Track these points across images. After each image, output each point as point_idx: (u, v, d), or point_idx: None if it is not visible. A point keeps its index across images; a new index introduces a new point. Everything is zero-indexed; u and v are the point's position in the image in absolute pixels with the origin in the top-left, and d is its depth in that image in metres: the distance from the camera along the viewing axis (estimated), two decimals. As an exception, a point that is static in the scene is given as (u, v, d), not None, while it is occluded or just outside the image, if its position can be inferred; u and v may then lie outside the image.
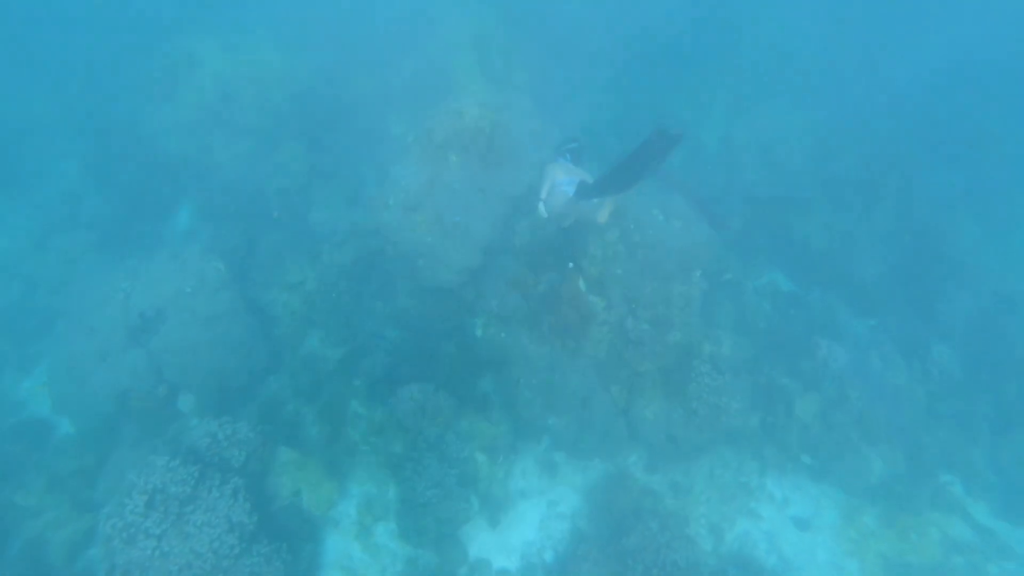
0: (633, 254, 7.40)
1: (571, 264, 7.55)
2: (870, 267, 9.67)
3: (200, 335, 7.58)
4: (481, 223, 7.61)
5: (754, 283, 10.02)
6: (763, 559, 7.58)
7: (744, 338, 8.97)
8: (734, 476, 8.09)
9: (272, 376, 8.55)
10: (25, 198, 11.48)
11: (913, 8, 14.57)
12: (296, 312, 8.93)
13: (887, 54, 13.30)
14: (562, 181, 6.50)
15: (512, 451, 7.95)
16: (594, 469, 7.98)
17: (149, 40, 11.60)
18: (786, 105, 12.02)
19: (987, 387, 8.73)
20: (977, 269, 9.84)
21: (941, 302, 9.17)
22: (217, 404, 7.84)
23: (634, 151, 6.99)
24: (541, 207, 6.54)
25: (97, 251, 10.03)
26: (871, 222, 10.26)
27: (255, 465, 6.75)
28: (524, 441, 8.06)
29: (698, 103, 12.09)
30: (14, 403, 8.94)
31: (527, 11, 11.91)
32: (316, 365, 8.69)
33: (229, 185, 10.43)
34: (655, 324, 7.41)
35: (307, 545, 6.89)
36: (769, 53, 13.16)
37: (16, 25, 13.79)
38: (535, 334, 7.35)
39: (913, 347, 8.76)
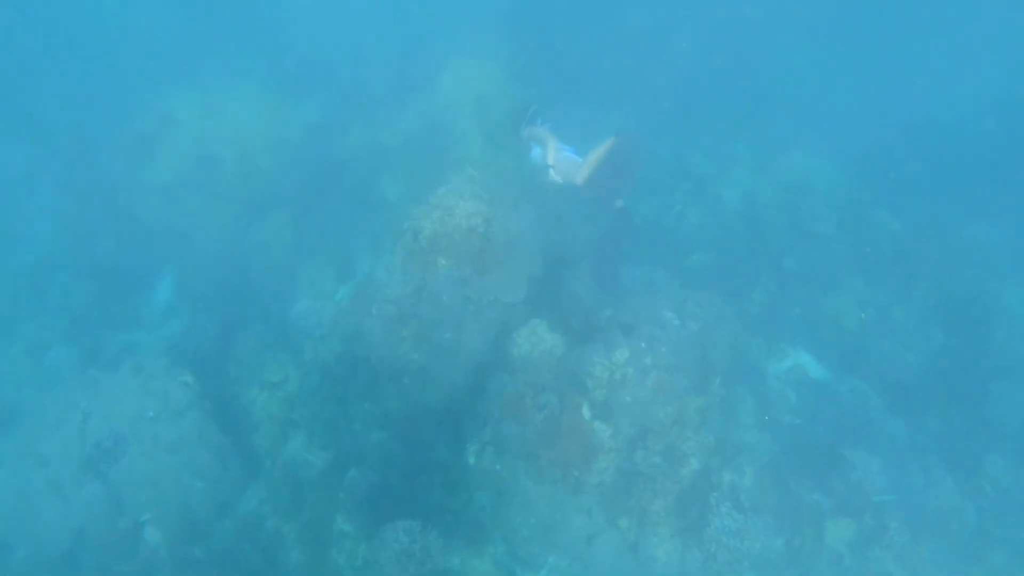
0: (644, 378, 6.54)
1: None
2: (909, 353, 8.72)
3: (165, 463, 6.88)
4: (474, 338, 6.80)
5: (777, 367, 9.11)
6: None
7: (766, 435, 8.13)
8: (755, 605, 7.26)
9: (251, 489, 7.86)
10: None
11: (943, 41, 13.43)
12: (276, 416, 8.20)
13: (916, 91, 12.21)
14: (563, 146, 7.26)
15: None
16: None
17: (128, 97, 10.88)
18: (812, 156, 11.04)
19: (1049, 503, 7.78)
20: (1032, 355, 8.84)
21: (993, 399, 8.18)
22: (187, 533, 7.17)
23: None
24: (552, 173, 7.15)
25: (67, 340, 9.33)
26: (909, 298, 9.31)
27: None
28: (523, 570, 7.28)
29: (719, 156, 11.11)
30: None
31: (536, 62, 11.02)
32: (298, 472, 7.95)
33: (210, 260, 9.73)
34: (668, 456, 6.57)
35: None
36: (790, 98, 12.17)
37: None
38: (533, 469, 6.53)
39: (961, 456, 7.83)
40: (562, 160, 7.17)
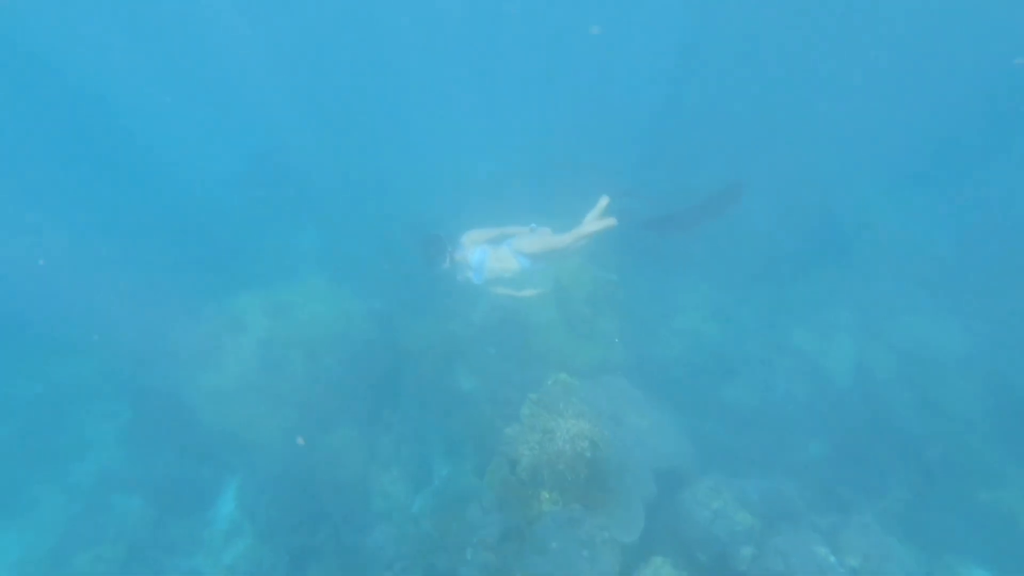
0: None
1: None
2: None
3: None
4: (590, 594, 5.63)
5: (945, 586, 7.56)
6: None
7: None
8: None
9: None
10: (58, 480, 10.20)
11: None
12: (353, 673, 6.99)
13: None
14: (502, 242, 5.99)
15: None
16: None
17: (193, 300, 10.63)
18: (929, 318, 9.95)
19: None
20: None
21: None
22: None
23: None
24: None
25: (123, 568, 8.46)
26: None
27: None
28: None
29: (817, 323, 10.11)
30: None
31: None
32: None
33: (276, 474, 8.91)
34: None
35: None
36: (896, 247, 11.29)
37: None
38: None
39: None
40: (527, 248, 5.81)
